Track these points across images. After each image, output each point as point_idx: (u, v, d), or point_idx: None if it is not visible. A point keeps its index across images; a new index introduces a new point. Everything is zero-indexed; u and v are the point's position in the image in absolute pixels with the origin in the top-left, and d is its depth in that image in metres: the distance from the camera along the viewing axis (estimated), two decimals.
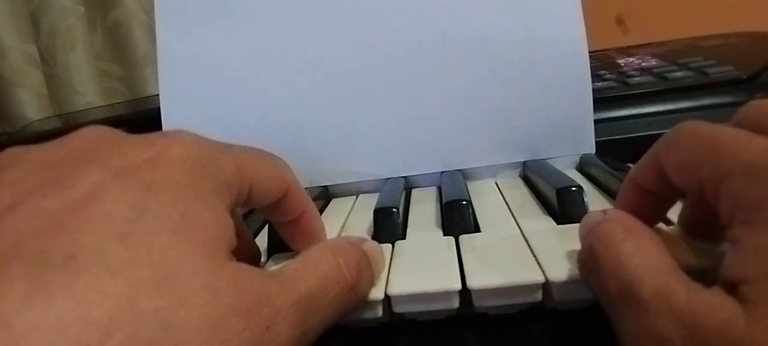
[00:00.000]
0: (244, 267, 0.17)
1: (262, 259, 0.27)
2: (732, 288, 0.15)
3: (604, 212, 0.20)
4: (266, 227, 0.28)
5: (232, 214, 0.18)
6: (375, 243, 0.22)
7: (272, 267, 0.25)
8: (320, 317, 0.18)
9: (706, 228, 0.20)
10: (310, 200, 0.24)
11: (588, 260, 0.18)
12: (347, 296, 0.19)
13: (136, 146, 0.17)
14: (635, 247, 0.17)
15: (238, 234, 0.18)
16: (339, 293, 0.19)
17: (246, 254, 0.24)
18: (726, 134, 0.17)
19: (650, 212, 0.21)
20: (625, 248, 0.17)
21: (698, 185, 0.17)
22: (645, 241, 0.17)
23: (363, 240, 0.22)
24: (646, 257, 0.17)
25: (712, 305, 0.15)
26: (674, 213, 0.22)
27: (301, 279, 0.18)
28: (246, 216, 0.32)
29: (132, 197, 0.15)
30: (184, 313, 0.14)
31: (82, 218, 0.14)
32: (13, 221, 0.14)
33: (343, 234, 0.29)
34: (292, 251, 0.26)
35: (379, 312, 0.21)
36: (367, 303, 0.21)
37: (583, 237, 0.19)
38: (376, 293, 0.20)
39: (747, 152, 0.16)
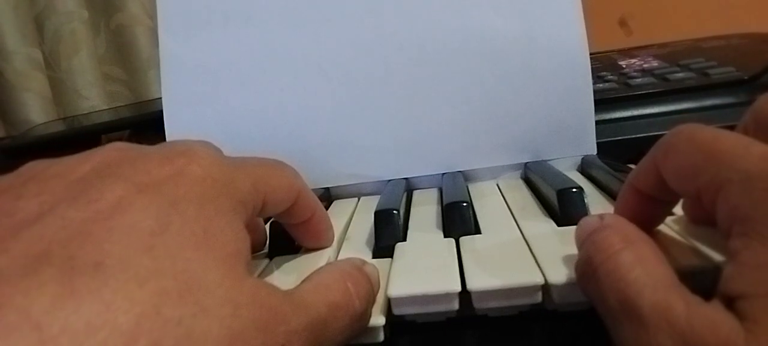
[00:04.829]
0: (262, 283, 0.17)
1: (264, 261, 0.27)
2: (730, 302, 0.15)
3: (601, 216, 0.19)
4: (267, 227, 0.28)
5: (248, 227, 0.19)
6: (374, 267, 0.22)
7: (274, 270, 0.25)
8: (329, 343, 0.18)
9: (709, 220, 0.19)
10: (319, 202, 0.25)
11: (586, 269, 0.18)
12: (356, 325, 0.20)
13: (157, 162, 0.17)
14: (634, 258, 0.17)
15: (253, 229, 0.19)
16: (348, 322, 0.19)
17: (255, 237, 0.26)
18: (724, 140, 0.16)
19: (650, 217, 0.21)
20: (623, 259, 0.17)
21: (696, 192, 0.17)
22: (644, 251, 0.17)
23: (364, 263, 0.22)
24: (646, 269, 0.16)
25: (712, 321, 0.14)
26: (677, 210, 0.22)
27: (314, 304, 0.18)
28: None
29: (157, 211, 0.16)
30: (207, 323, 0.14)
31: (109, 229, 0.14)
32: (42, 229, 0.14)
33: (345, 238, 0.29)
34: (293, 252, 0.26)
35: (380, 337, 0.21)
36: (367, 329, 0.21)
37: (581, 245, 0.19)
38: (377, 320, 0.20)
39: (745, 160, 0.15)
